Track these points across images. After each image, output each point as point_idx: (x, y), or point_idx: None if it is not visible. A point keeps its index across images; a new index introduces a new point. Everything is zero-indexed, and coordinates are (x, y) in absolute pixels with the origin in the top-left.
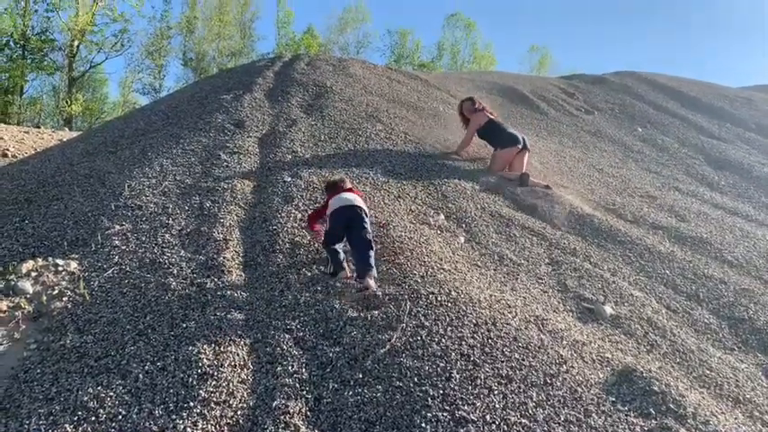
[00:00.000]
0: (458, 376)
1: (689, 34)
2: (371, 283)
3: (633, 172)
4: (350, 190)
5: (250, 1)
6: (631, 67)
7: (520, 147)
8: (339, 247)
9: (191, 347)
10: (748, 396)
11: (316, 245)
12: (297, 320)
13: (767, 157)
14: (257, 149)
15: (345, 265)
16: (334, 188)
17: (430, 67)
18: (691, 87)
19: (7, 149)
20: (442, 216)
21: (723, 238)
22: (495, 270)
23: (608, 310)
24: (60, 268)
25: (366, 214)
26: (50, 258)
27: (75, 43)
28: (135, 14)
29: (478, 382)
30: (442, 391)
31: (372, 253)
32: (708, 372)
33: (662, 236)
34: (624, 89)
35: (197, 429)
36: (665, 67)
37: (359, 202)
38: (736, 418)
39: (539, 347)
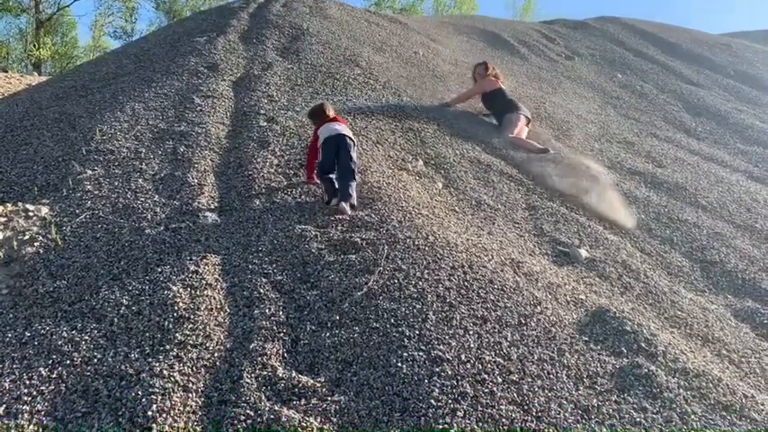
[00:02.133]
0: (434, 317)
1: None
2: (346, 208)
3: (612, 118)
4: (335, 119)
5: None
6: (614, 13)
7: (528, 117)
8: (332, 175)
9: (166, 292)
10: (717, 335)
11: (292, 187)
12: (274, 265)
13: (744, 103)
14: (232, 93)
15: (338, 192)
16: (319, 116)
17: (411, 11)
18: (671, 33)
19: None
20: (421, 162)
21: (698, 184)
22: (472, 215)
23: (583, 253)
24: (31, 213)
25: (353, 143)
26: (20, 204)
27: None
28: None
29: (454, 322)
30: (418, 332)
31: (354, 183)
32: (679, 313)
33: (638, 181)
34: (605, 35)
35: (173, 371)
36: (648, 13)
37: (346, 131)
38: (704, 356)
39: (514, 289)
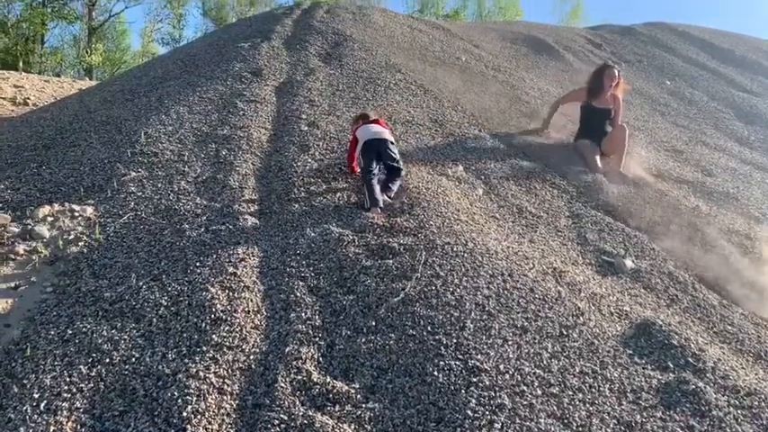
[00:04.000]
0: (472, 326)
1: None
2: (377, 210)
3: (659, 125)
4: (376, 121)
5: None
6: (663, 18)
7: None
8: (375, 180)
9: (204, 293)
10: None
11: (331, 191)
12: (311, 268)
13: None
14: (274, 98)
15: (380, 199)
16: (360, 119)
17: (454, 17)
18: (723, 39)
19: (28, 98)
20: (461, 167)
21: (750, 194)
22: (513, 222)
23: (628, 263)
24: (76, 213)
25: (393, 143)
26: (67, 204)
27: None
28: None
29: (493, 332)
30: (455, 341)
31: (399, 179)
32: (729, 327)
33: (686, 190)
34: (653, 41)
35: (209, 372)
36: (698, 19)
37: (386, 134)
38: (756, 374)
39: (555, 299)
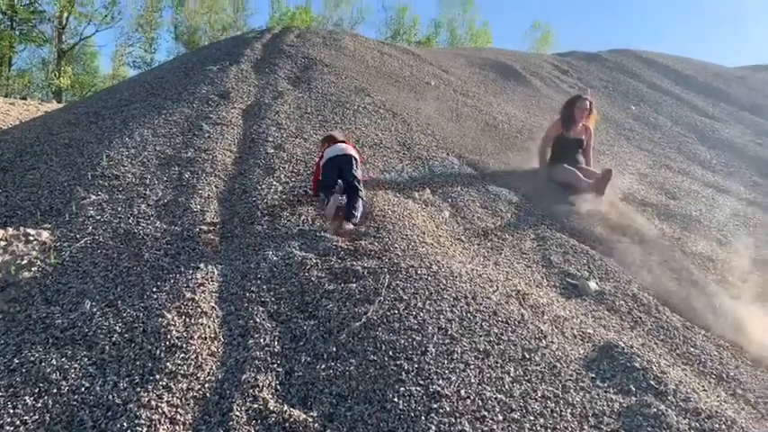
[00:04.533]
0: (434, 350)
1: (687, 14)
2: (348, 227)
3: (624, 149)
4: (343, 141)
5: None
6: (628, 46)
7: None
8: (335, 192)
9: (160, 319)
10: (732, 374)
11: (295, 215)
12: (272, 293)
13: (762, 136)
14: (241, 121)
15: (337, 195)
16: (327, 140)
17: (426, 44)
18: (686, 66)
19: None
20: (428, 190)
21: (713, 216)
22: (478, 245)
23: (592, 285)
24: (31, 238)
25: (356, 161)
26: (21, 228)
27: (65, 15)
28: None
29: (455, 356)
30: (416, 366)
31: (359, 202)
32: (692, 349)
33: (651, 213)
34: (618, 67)
35: (162, 402)
36: (662, 46)
37: (350, 151)
38: (717, 396)
39: (518, 322)
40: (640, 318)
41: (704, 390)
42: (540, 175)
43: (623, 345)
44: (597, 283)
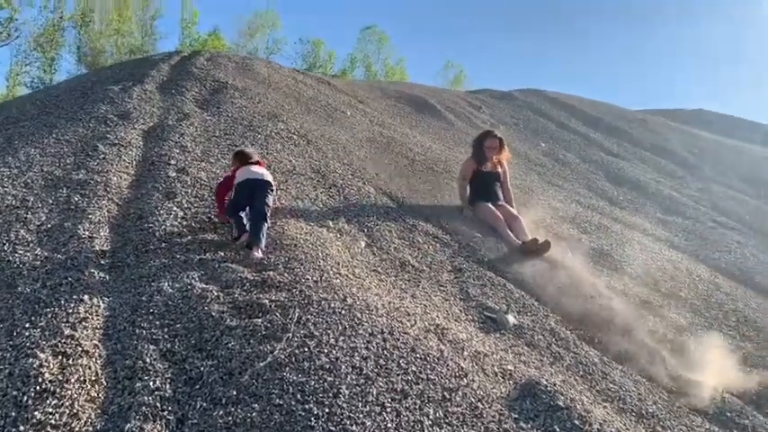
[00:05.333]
0: (347, 392)
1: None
2: (257, 255)
3: (536, 184)
4: (258, 163)
5: None
6: (538, 85)
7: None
8: (243, 214)
9: (31, 360)
10: (650, 410)
11: (197, 242)
12: (166, 329)
13: (662, 175)
14: (141, 142)
15: (248, 228)
16: (242, 159)
17: (342, 77)
18: (592, 107)
19: None
20: (343, 219)
21: (623, 251)
22: (395, 276)
23: (510, 319)
24: None
25: (272, 188)
26: None
27: None
28: (24, 2)
29: (370, 398)
30: (327, 410)
31: (265, 227)
32: (611, 385)
33: (564, 247)
34: (529, 106)
35: None
36: (570, 87)
37: (268, 176)
38: None
39: (438, 359)
40: (559, 353)
41: (627, 428)
42: (462, 211)
43: (546, 382)
44: (515, 317)
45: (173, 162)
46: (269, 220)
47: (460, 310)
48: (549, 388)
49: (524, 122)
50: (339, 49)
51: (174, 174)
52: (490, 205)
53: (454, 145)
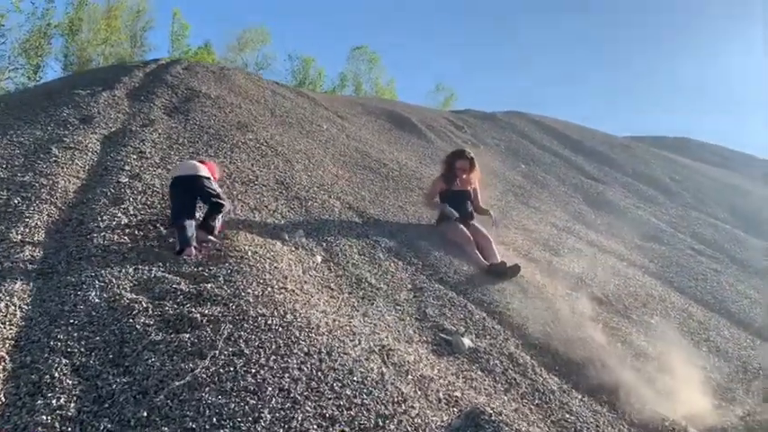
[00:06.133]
0: (269, 417)
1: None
2: (209, 238)
3: (512, 205)
4: (201, 162)
5: (145, 10)
6: (525, 109)
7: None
8: (188, 222)
9: None
10: None
11: (136, 251)
12: (83, 342)
13: (642, 201)
14: (98, 147)
15: (192, 238)
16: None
17: (330, 95)
18: (574, 131)
19: None
20: (301, 231)
21: (594, 275)
22: (349, 293)
23: (467, 342)
24: None
25: (208, 178)
26: None
27: None
28: (11, 8)
29: (294, 423)
30: None
31: (220, 217)
32: (568, 416)
33: (534, 268)
34: (512, 128)
35: None
36: (554, 111)
37: (200, 170)
38: None
39: (376, 382)
40: (515, 379)
41: None
42: (426, 224)
43: (491, 411)
44: (472, 340)
45: (127, 168)
46: (227, 204)
47: (414, 331)
48: (493, 417)
49: (506, 144)
50: (329, 67)
51: (127, 179)
52: (461, 225)
53: (431, 162)
